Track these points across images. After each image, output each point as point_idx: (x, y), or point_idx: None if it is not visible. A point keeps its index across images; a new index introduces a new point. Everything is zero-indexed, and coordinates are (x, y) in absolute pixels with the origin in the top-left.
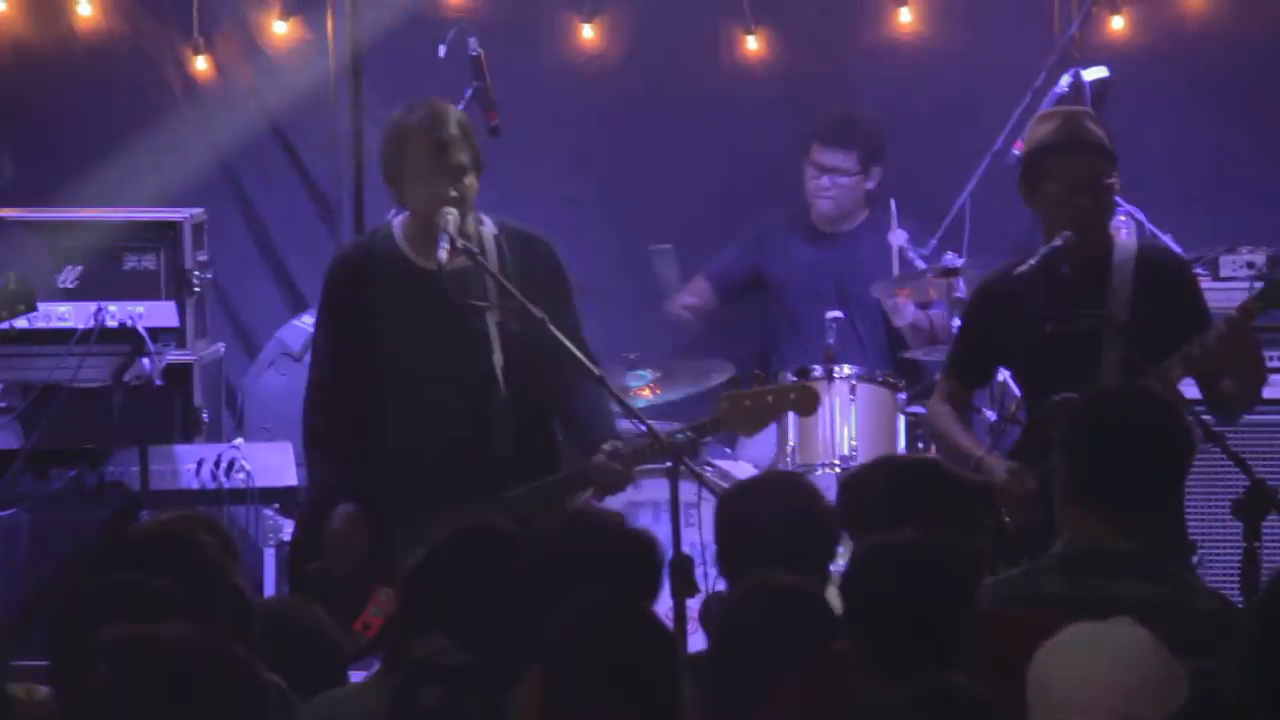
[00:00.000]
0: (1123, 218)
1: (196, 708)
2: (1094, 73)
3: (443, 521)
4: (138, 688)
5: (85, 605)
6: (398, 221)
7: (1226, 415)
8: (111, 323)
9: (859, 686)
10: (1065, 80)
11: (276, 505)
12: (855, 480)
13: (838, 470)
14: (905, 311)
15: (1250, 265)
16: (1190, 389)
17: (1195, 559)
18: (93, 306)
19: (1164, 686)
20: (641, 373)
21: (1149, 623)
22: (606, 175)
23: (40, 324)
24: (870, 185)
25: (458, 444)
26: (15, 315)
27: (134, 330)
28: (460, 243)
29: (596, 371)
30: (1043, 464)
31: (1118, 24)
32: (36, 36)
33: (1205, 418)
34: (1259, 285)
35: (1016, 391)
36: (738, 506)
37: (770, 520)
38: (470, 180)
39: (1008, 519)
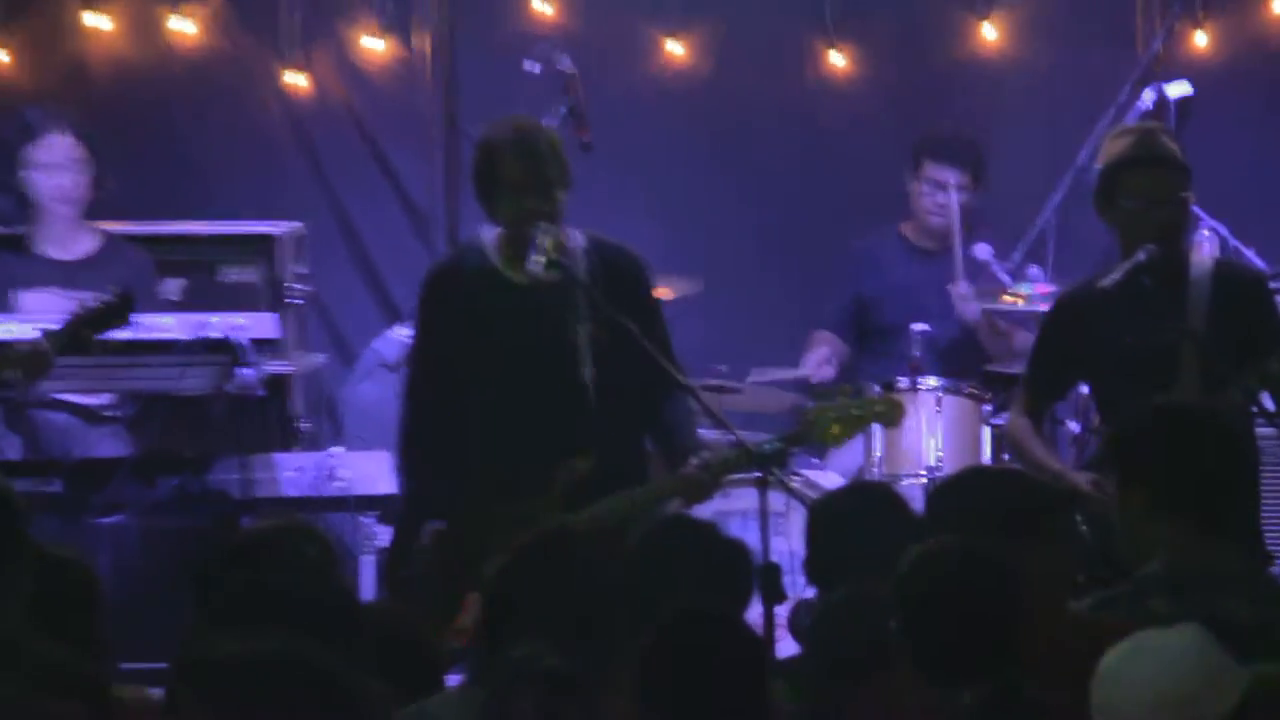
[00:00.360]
0: (1206, 233)
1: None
2: (1177, 89)
3: (528, 529)
4: (237, 698)
5: (198, 611)
6: (489, 235)
7: None
8: (213, 334)
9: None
10: (1148, 96)
11: (374, 513)
12: (943, 490)
13: (924, 481)
14: (971, 309)
15: None
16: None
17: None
18: (195, 318)
19: (1212, 691)
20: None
21: (1257, 640)
22: (695, 187)
23: (145, 335)
24: (974, 204)
25: (549, 454)
26: (112, 328)
27: (235, 342)
28: (552, 256)
29: (684, 382)
30: None
31: (1200, 40)
32: (137, 54)
33: None
34: None
35: None
36: (828, 516)
37: (859, 530)
38: (560, 195)
39: (1086, 531)
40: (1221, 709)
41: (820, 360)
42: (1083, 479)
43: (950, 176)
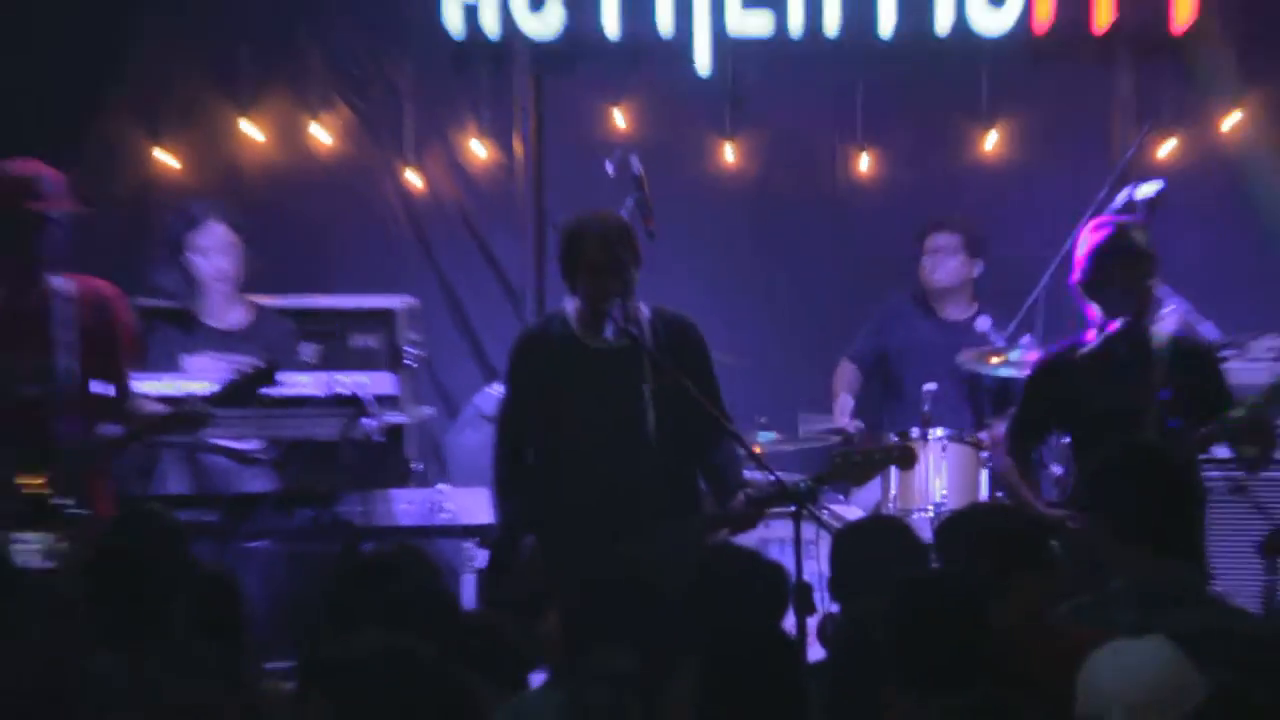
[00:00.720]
0: (1171, 306)
1: (414, 709)
2: (1147, 189)
3: (603, 557)
4: (356, 691)
5: (328, 619)
6: (570, 307)
7: (1249, 471)
8: (343, 391)
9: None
10: (1123, 195)
11: (474, 539)
12: (948, 523)
13: (931, 514)
14: None
15: (1272, 349)
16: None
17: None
18: (328, 377)
19: (1177, 692)
20: (768, 434)
21: (1207, 645)
22: (743, 268)
23: (287, 391)
24: (977, 273)
25: (619, 491)
26: (261, 388)
27: (360, 397)
28: (622, 326)
29: (732, 430)
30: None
31: (1166, 149)
32: (283, 158)
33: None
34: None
35: None
36: (850, 543)
37: (876, 555)
38: (631, 274)
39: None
40: (1185, 713)
41: (846, 411)
42: (1057, 513)
43: (945, 240)
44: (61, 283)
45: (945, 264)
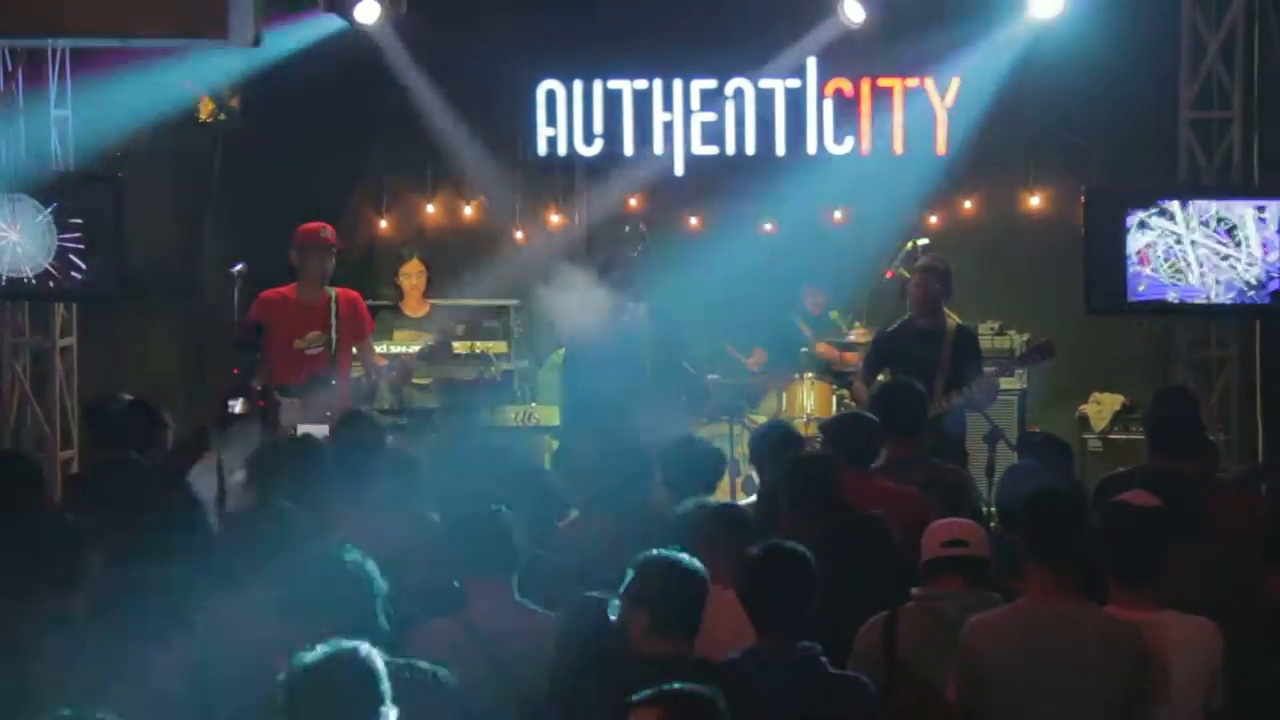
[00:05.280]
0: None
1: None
2: (922, 241)
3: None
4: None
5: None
6: None
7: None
8: (477, 351)
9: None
10: (910, 245)
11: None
12: (824, 425)
13: (804, 419)
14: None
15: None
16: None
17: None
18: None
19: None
20: (713, 376)
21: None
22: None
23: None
24: (823, 299)
25: (630, 393)
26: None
27: (489, 355)
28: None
29: (693, 371)
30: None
31: (933, 220)
32: (448, 224)
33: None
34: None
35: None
36: (760, 435)
37: (775, 442)
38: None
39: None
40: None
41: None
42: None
43: (811, 290)
44: (333, 291)
45: (815, 298)
